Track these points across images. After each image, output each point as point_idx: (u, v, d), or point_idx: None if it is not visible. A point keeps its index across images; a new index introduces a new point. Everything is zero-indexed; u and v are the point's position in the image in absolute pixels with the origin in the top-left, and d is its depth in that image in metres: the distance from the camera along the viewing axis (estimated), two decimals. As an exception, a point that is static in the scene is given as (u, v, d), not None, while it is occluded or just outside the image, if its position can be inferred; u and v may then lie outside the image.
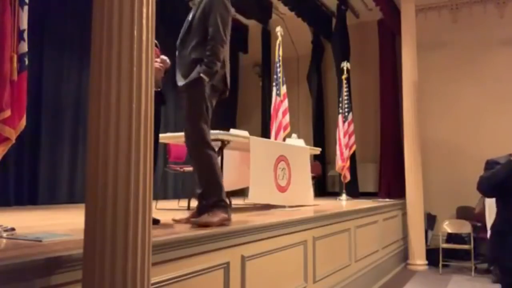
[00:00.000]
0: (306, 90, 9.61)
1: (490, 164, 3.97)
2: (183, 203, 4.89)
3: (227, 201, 2.88)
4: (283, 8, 8.45)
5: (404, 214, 6.98)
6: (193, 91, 2.90)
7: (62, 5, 5.87)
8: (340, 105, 7.69)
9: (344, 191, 7.35)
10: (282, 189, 4.66)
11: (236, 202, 4.81)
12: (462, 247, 6.50)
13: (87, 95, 1.72)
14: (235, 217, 3.57)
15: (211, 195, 2.86)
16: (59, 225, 3.02)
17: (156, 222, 2.64)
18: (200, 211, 2.90)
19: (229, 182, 4.86)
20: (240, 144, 4.29)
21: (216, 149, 4.12)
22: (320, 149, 6.54)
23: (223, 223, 2.75)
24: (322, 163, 8.87)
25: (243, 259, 2.81)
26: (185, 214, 3.08)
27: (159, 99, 2.58)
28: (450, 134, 7.90)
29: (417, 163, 6.86)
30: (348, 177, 7.46)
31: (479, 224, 6.35)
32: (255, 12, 8.41)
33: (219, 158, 4.18)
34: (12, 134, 2.21)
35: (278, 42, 6.13)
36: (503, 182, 2.66)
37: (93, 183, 1.58)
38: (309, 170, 5.52)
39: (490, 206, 4.70)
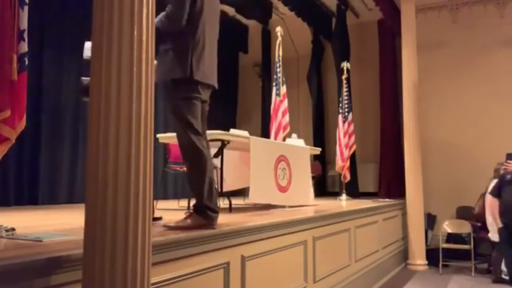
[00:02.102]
0: (306, 90, 9.61)
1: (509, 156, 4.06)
2: (183, 203, 4.89)
3: (212, 205, 2.66)
4: (283, 8, 8.45)
5: (404, 214, 6.98)
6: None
7: (62, 5, 5.87)
8: (340, 105, 7.69)
9: (344, 191, 7.35)
10: (282, 189, 4.66)
11: (236, 202, 4.81)
12: (462, 247, 6.50)
13: (87, 95, 1.72)
14: (235, 217, 3.58)
15: (195, 198, 2.69)
16: (59, 225, 3.02)
17: (158, 219, 2.64)
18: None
19: (229, 182, 4.86)
20: (240, 144, 4.29)
21: (216, 149, 4.13)
22: (320, 149, 6.54)
23: (199, 228, 2.56)
24: (322, 163, 8.87)
25: (243, 259, 2.81)
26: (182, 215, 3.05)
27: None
28: (450, 134, 7.90)
29: (417, 163, 6.86)
30: (348, 177, 7.46)
31: (479, 224, 6.34)
32: (255, 12, 8.42)
33: (219, 158, 4.18)
34: (12, 134, 2.21)
35: (278, 42, 6.13)
36: None
37: (93, 183, 1.58)
38: (309, 170, 5.52)
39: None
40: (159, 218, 2.71)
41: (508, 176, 4.09)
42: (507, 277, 5.20)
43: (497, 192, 4.22)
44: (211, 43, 2.89)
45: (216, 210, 2.71)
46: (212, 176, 2.74)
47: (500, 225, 4.14)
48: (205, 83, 2.81)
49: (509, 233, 4.04)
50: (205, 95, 2.88)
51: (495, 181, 5.56)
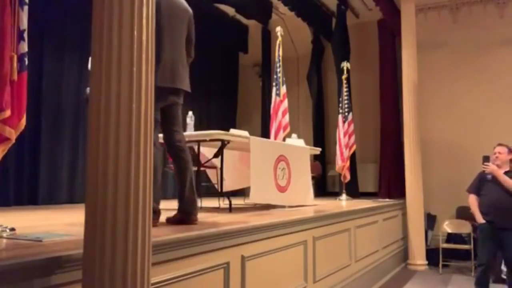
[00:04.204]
0: (306, 90, 9.61)
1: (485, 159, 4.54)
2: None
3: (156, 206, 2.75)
4: (283, 8, 8.45)
5: (404, 214, 6.98)
6: None
7: (62, 5, 5.87)
8: (340, 105, 7.69)
9: (344, 191, 7.35)
10: (282, 189, 4.66)
11: (236, 202, 4.81)
12: (462, 247, 6.50)
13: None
14: (235, 217, 3.58)
15: None
16: (59, 225, 3.02)
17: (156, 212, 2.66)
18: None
19: (229, 182, 4.87)
20: (240, 144, 4.29)
21: (216, 149, 4.13)
22: (320, 149, 6.53)
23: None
24: (322, 163, 8.87)
25: (243, 259, 2.81)
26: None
27: None
28: (450, 134, 7.90)
29: (417, 163, 6.86)
30: (348, 177, 7.46)
31: (479, 224, 6.35)
32: (255, 12, 8.41)
33: (219, 158, 4.19)
34: (12, 134, 2.21)
35: (278, 42, 6.12)
36: None
37: (93, 183, 1.58)
38: (309, 170, 5.52)
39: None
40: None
41: (489, 176, 4.48)
42: (505, 277, 5.25)
43: (476, 190, 4.60)
44: (175, 49, 2.96)
45: (156, 210, 2.72)
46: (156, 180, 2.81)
47: (482, 221, 4.48)
48: (168, 87, 2.88)
49: (493, 229, 4.39)
50: (168, 100, 2.95)
51: None
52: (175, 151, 3.05)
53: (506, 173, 4.44)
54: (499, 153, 4.50)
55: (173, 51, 2.95)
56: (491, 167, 4.42)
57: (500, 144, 4.60)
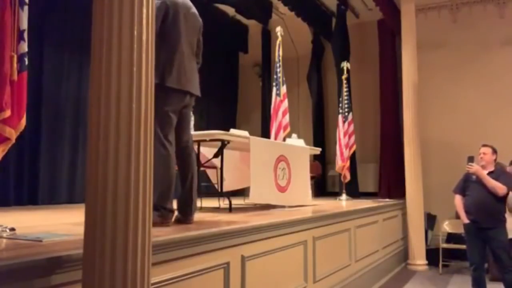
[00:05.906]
0: (306, 90, 9.61)
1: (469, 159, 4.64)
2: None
3: (168, 205, 2.78)
4: (283, 8, 8.45)
5: (404, 214, 6.98)
6: None
7: (62, 5, 5.87)
8: (340, 105, 7.69)
9: (344, 191, 7.35)
10: (282, 189, 4.66)
11: (236, 202, 4.81)
12: (462, 247, 6.49)
13: (87, 95, 1.72)
14: (235, 217, 3.58)
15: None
16: (59, 225, 3.02)
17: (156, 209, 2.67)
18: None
19: (229, 182, 4.86)
20: (240, 144, 4.29)
21: (216, 149, 4.13)
22: (320, 149, 6.53)
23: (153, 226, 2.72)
24: (322, 163, 8.87)
25: (243, 259, 2.81)
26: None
27: None
28: (450, 134, 7.90)
29: (417, 163, 6.86)
30: (348, 177, 7.46)
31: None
32: (255, 12, 8.41)
33: (219, 158, 4.19)
34: (12, 134, 2.21)
35: (278, 42, 6.12)
36: None
37: (93, 183, 1.58)
38: (308, 170, 5.52)
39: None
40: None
41: (474, 177, 4.54)
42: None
43: (461, 191, 4.68)
44: (189, 54, 3.07)
45: (171, 210, 2.81)
46: (173, 180, 2.86)
47: (467, 221, 4.55)
48: (181, 90, 2.95)
49: (477, 228, 4.47)
50: (183, 102, 3.02)
51: None
52: (182, 150, 3.09)
53: (490, 173, 4.48)
54: (484, 153, 4.56)
55: (187, 56, 3.03)
56: (474, 167, 4.48)
57: (484, 145, 4.66)
